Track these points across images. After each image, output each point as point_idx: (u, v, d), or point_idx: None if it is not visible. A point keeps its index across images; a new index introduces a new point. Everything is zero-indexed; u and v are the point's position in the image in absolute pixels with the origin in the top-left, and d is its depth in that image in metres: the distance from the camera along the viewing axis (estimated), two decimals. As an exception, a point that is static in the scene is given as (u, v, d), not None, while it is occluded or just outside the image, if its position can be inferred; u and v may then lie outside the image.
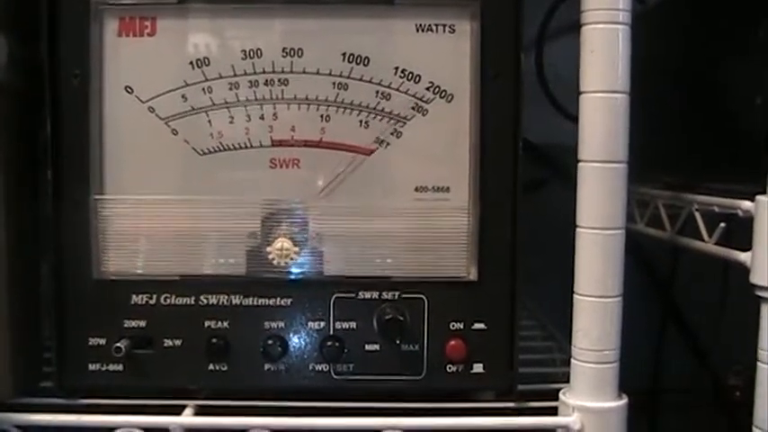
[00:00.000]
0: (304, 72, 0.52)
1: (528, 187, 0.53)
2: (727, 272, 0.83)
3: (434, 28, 0.52)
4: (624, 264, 0.49)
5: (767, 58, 0.51)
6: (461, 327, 0.53)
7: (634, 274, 0.76)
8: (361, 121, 0.52)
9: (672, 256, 0.87)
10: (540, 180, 0.84)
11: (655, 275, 0.86)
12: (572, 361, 0.50)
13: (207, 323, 0.53)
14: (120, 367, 0.53)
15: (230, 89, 0.52)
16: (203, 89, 0.52)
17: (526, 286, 0.54)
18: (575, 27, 0.48)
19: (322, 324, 0.53)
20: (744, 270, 0.48)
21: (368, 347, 0.53)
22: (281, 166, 0.52)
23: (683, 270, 0.87)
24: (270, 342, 0.53)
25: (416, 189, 0.53)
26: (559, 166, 0.81)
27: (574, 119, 0.49)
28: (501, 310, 0.53)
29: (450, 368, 0.53)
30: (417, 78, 0.52)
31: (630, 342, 0.50)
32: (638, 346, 0.69)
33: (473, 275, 0.53)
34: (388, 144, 0.52)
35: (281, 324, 0.53)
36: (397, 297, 0.53)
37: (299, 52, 0.52)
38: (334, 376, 0.54)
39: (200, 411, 0.52)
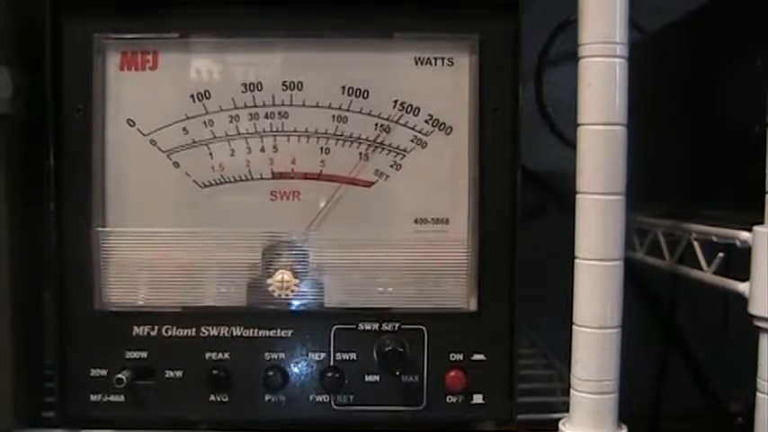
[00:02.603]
0: (304, 105, 0.52)
1: (528, 215, 0.54)
2: (727, 298, 0.83)
3: (433, 61, 0.52)
4: (624, 291, 0.49)
5: (765, 87, 0.52)
6: (461, 357, 0.53)
7: (634, 301, 0.76)
8: (360, 154, 0.53)
9: (672, 283, 0.87)
10: (540, 207, 0.84)
11: (655, 303, 0.86)
12: (571, 391, 0.50)
13: (208, 354, 0.53)
14: (122, 398, 0.53)
15: (231, 122, 0.52)
16: (204, 122, 0.52)
17: (526, 314, 0.54)
18: (575, 53, 0.49)
19: (322, 355, 0.53)
20: (743, 300, 0.48)
21: (368, 378, 0.54)
22: (282, 198, 0.53)
23: (683, 297, 0.87)
24: (270, 373, 0.53)
25: (416, 221, 0.53)
26: (559, 194, 0.81)
27: (573, 146, 0.49)
28: (500, 341, 0.53)
29: (450, 399, 0.54)
30: (416, 111, 0.52)
31: (631, 369, 0.50)
32: (639, 373, 0.69)
33: (473, 306, 0.53)
34: (387, 176, 0.53)
35: (282, 355, 0.53)
36: (396, 328, 0.53)
37: (299, 85, 0.52)
38: (335, 407, 0.54)
39: (201, 442, 0.52)
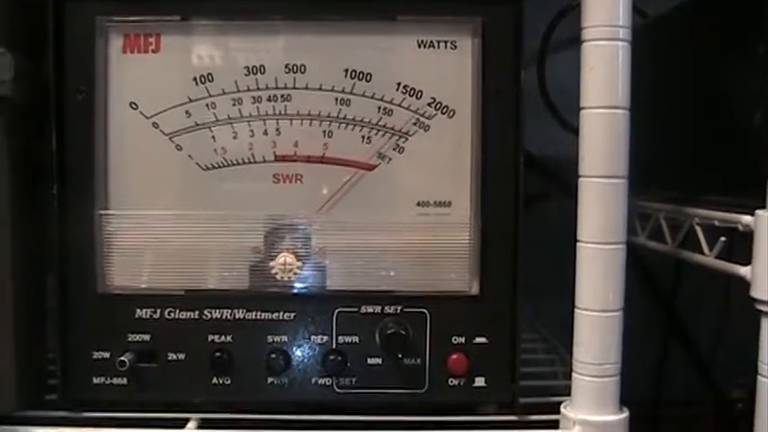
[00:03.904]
0: (307, 88, 0.52)
1: (530, 200, 0.54)
2: (729, 283, 0.83)
3: (436, 44, 0.52)
4: (626, 276, 0.49)
5: (767, 73, 0.52)
6: (463, 341, 0.53)
7: (636, 286, 0.76)
8: (363, 137, 0.53)
9: (674, 268, 0.87)
10: (542, 192, 0.84)
11: (657, 287, 0.86)
12: (573, 374, 0.50)
13: (210, 337, 0.53)
14: (125, 381, 0.53)
15: (234, 105, 0.52)
16: (207, 105, 0.52)
17: (528, 299, 0.54)
18: (577, 39, 0.49)
19: (325, 338, 0.54)
20: (744, 283, 0.48)
21: (370, 361, 0.54)
22: (285, 182, 0.53)
23: (685, 281, 0.87)
24: (273, 356, 0.53)
25: (418, 204, 0.53)
26: (561, 179, 0.81)
27: (575, 131, 0.49)
28: (502, 324, 0.53)
29: (452, 382, 0.54)
30: (419, 94, 0.52)
31: (632, 354, 0.50)
32: (640, 358, 0.69)
33: (475, 290, 0.53)
34: (390, 159, 0.53)
35: (285, 338, 0.53)
36: (399, 311, 0.53)
37: (302, 68, 0.52)
38: (337, 390, 0.54)
39: (204, 425, 0.53)
